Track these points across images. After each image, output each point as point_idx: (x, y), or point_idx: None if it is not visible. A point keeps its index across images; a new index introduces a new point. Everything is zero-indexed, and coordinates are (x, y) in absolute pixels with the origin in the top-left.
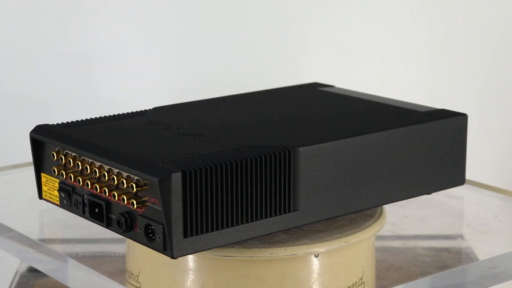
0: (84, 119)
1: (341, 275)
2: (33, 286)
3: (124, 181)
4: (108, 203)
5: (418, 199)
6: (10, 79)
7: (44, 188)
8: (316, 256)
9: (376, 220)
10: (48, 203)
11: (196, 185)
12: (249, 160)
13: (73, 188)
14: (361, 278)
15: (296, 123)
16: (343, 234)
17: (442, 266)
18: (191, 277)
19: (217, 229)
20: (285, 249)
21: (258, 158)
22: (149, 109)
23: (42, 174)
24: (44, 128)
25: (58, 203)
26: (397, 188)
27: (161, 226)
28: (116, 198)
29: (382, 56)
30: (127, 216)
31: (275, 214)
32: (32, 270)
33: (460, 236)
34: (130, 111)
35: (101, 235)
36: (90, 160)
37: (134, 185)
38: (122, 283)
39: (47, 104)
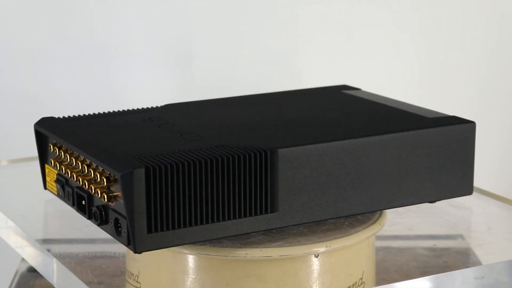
0: (92, 113)
1: (341, 275)
2: (33, 286)
3: (99, 175)
4: (90, 196)
5: None
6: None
7: (47, 178)
8: (316, 256)
9: (376, 220)
10: (52, 194)
11: (160, 182)
12: (219, 159)
13: (66, 180)
14: (361, 278)
15: (293, 124)
16: (343, 234)
17: (442, 266)
18: (191, 277)
19: (185, 226)
20: (285, 249)
21: (231, 158)
22: (160, 106)
23: (46, 166)
24: (47, 120)
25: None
26: (394, 194)
27: (126, 220)
28: (93, 191)
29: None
30: (102, 209)
31: (252, 215)
32: (32, 270)
33: (460, 236)
34: (143, 107)
35: (101, 235)
36: (77, 154)
37: (105, 179)
38: (122, 283)
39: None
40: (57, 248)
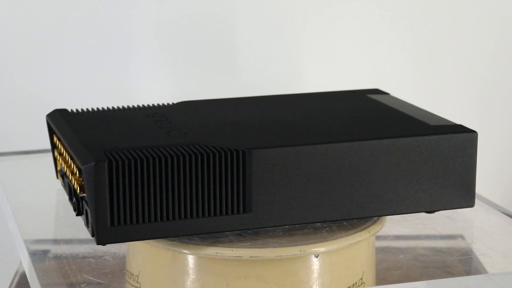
0: (106, 107)
1: (341, 275)
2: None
3: (75, 166)
4: (74, 187)
5: None
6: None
7: (57, 169)
8: (316, 256)
9: (376, 220)
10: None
11: (123, 175)
12: (187, 156)
13: (65, 172)
14: (361, 278)
15: (286, 126)
16: (343, 234)
17: (442, 266)
18: (191, 277)
19: (150, 221)
20: (285, 249)
21: (199, 155)
22: (174, 103)
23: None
24: (58, 112)
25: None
26: (385, 202)
27: (90, 212)
28: (72, 182)
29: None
30: (80, 200)
31: (223, 214)
32: (32, 255)
33: (461, 236)
34: (159, 104)
35: None
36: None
37: (77, 171)
38: (122, 283)
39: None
40: (57, 248)
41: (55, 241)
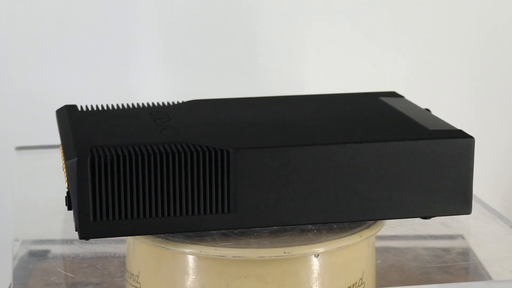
0: (116, 104)
1: (341, 275)
2: (32, 270)
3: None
4: (65, 182)
5: None
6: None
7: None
8: (316, 256)
9: (376, 221)
10: None
11: (106, 171)
12: (170, 154)
13: (62, 167)
14: (361, 278)
15: (284, 127)
16: (343, 234)
17: (442, 266)
18: (191, 277)
19: (132, 217)
20: (285, 249)
21: (183, 154)
22: (185, 101)
23: None
24: (66, 108)
25: None
26: (379, 206)
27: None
28: (64, 177)
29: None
30: (69, 195)
31: (207, 213)
32: (32, 255)
33: (461, 236)
34: (168, 102)
35: None
36: None
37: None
38: (122, 283)
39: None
40: (57, 248)
41: (55, 241)
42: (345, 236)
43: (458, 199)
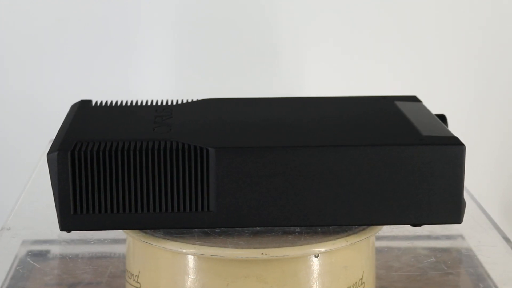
0: (131, 100)
1: (341, 275)
2: (32, 270)
3: None
4: None
5: None
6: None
7: None
8: (316, 256)
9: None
10: None
11: (86, 166)
12: (149, 151)
13: None
14: (361, 279)
15: (277, 128)
16: (343, 234)
17: (442, 266)
18: (191, 277)
19: (112, 212)
20: (285, 249)
21: (162, 151)
22: (199, 100)
23: None
24: (80, 103)
25: None
26: (366, 211)
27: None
28: None
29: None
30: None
31: (184, 210)
32: (32, 255)
33: (460, 236)
34: (183, 100)
35: (101, 235)
36: None
37: None
38: (122, 283)
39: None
40: (57, 248)
41: (55, 241)
42: (345, 236)
43: (448, 208)
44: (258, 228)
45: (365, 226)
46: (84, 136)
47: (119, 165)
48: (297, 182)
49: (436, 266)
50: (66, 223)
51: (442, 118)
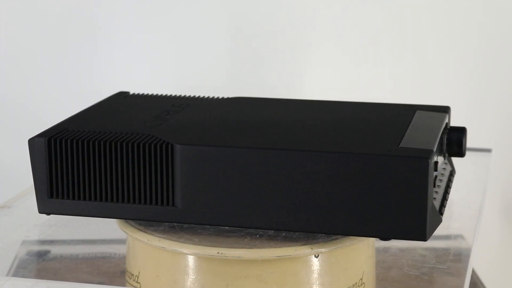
0: (165, 93)
1: (341, 276)
2: (32, 270)
3: None
4: None
5: None
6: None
7: None
8: (316, 257)
9: None
10: None
11: (61, 153)
12: (118, 144)
13: None
14: (361, 279)
15: (262, 129)
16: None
17: (442, 267)
18: (191, 277)
19: (84, 199)
20: (285, 250)
21: (130, 145)
22: (229, 97)
23: None
24: (118, 94)
25: None
26: (326, 219)
27: None
28: None
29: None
30: None
31: (152, 204)
32: (32, 255)
33: (460, 236)
34: (218, 97)
35: (101, 235)
36: None
37: None
38: (122, 283)
39: None
40: (57, 248)
41: (55, 241)
42: (345, 236)
43: (412, 224)
44: (202, 225)
45: None
46: (77, 125)
47: (91, 154)
48: (259, 185)
49: (436, 266)
50: (43, 206)
51: (460, 130)
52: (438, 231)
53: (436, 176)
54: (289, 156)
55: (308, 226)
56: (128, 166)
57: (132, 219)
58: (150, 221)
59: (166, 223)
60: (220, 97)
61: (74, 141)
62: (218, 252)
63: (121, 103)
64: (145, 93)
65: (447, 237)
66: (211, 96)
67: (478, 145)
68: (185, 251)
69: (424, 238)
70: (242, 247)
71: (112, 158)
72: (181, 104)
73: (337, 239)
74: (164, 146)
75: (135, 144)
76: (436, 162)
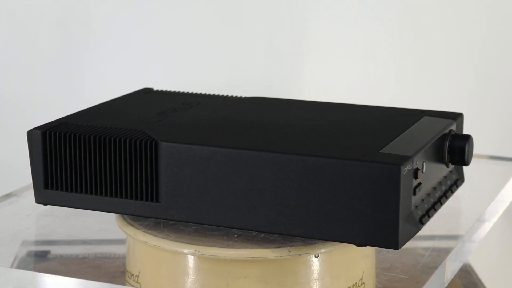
0: (189, 91)
1: (341, 276)
2: (32, 270)
3: None
4: None
5: None
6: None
7: None
8: (316, 257)
9: None
10: None
11: (55, 146)
12: (107, 139)
13: None
14: (361, 279)
15: (250, 129)
16: None
17: (442, 267)
18: (191, 277)
19: (77, 191)
20: (285, 250)
21: (117, 140)
22: (247, 97)
23: None
24: (141, 90)
25: None
26: (305, 223)
27: None
28: None
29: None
30: None
31: (137, 199)
32: (32, 255)
33: (460, 236)
34: (234, 96)
35: (100, 235)
36: None
37: None
38: (122, 283)
39: None
40: (57, 248)
41: (55, 242)
42: None
43: (384, 231)
44: (169, 220)
45: None
46: (77, 119)
47: (81, 148)
48: (238, 185)
49: (436, 267)
50: (39, 197)
51: (464, 138)
52: (440, 232)
53: (419, 184)
54: (265, 158)
55: (285, 229)
56: (116, 161)
57: (118, 213)
58: (135, 215)
59: (166, 223)
60: (240, 96)
61: (67, 135)
62: (218, 252)
63: (138, 99)
64: (172, 90)
65: (447, 237)
66: (234, 95)
67: (479, 146)
68: (185, 251)
69: (396, 247)
70: (242, 248)
71: (100, 152)
72: (192, 102)
73: None
74: (149, 143)
75: (122, 140)
76: (417, 170)
